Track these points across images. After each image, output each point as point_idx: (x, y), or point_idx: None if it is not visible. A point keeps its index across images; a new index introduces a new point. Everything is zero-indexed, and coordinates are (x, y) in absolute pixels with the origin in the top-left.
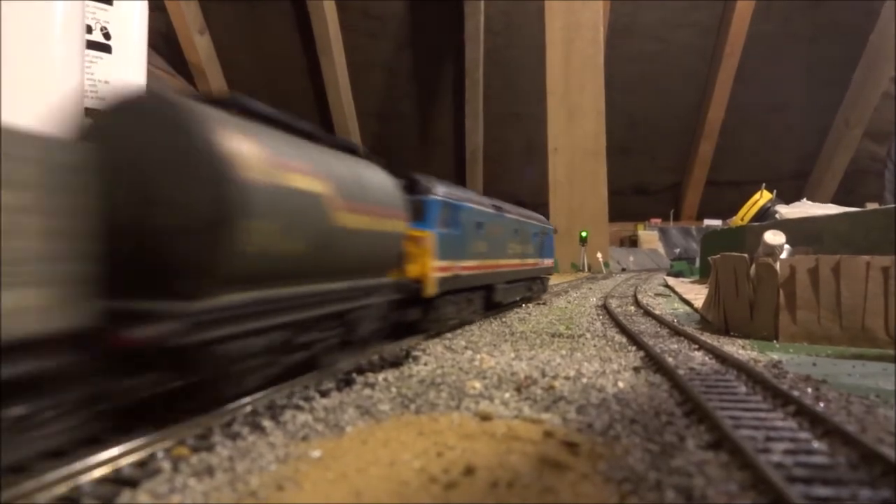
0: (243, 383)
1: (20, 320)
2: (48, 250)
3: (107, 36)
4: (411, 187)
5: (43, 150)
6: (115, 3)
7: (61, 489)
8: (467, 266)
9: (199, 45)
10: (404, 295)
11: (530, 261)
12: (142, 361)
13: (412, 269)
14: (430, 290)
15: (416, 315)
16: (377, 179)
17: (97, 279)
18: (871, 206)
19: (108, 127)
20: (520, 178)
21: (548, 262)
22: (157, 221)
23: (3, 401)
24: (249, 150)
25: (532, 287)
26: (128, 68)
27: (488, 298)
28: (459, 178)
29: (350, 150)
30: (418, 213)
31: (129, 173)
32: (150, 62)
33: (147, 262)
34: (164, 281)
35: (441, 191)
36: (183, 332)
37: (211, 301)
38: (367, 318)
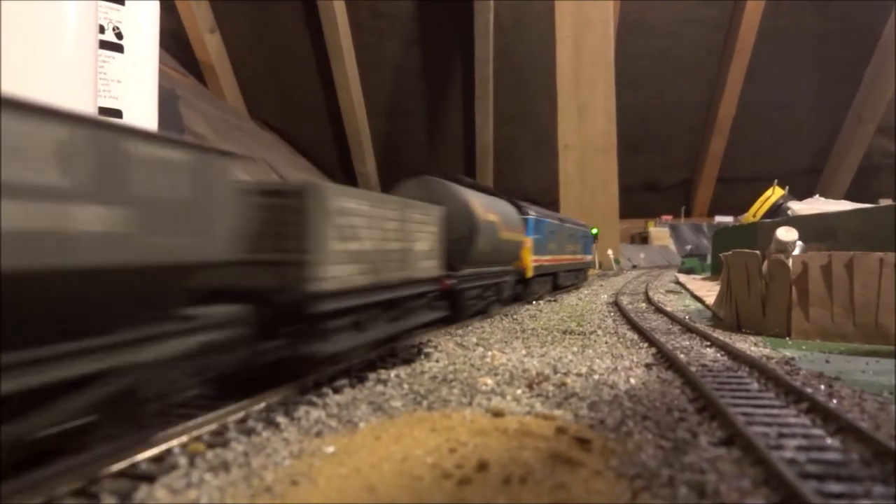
0: (470, 309)
1: (430, 272)
2: (434, 249)
3: (119, 35)
4: (518, 209)
5: (434, 216)
6: (127, 3)
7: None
8: (546, 260)
9: (210, 45)
10: (518, 276)
11: (578, 256)
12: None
13: (520, 262)
14: (529, 273)
15: (521, 289)
16: (510, 209)
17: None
18: (884, 202)
19: (421, 192)
20: (530, 175)
21: (588, 257)
22: (451, 237)
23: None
24: (477, 203)
25: (578, 275)
26: (140, 68)
27: (554, 282)
28: (469, 176)
29: (498, 195)
30: (522, 227)
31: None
32: (161, 61)
33: (448, 254)
34: (453, 261)
35: (532, 212)
36: (457, 283)
37: (464, 271)
38: (506, 287)
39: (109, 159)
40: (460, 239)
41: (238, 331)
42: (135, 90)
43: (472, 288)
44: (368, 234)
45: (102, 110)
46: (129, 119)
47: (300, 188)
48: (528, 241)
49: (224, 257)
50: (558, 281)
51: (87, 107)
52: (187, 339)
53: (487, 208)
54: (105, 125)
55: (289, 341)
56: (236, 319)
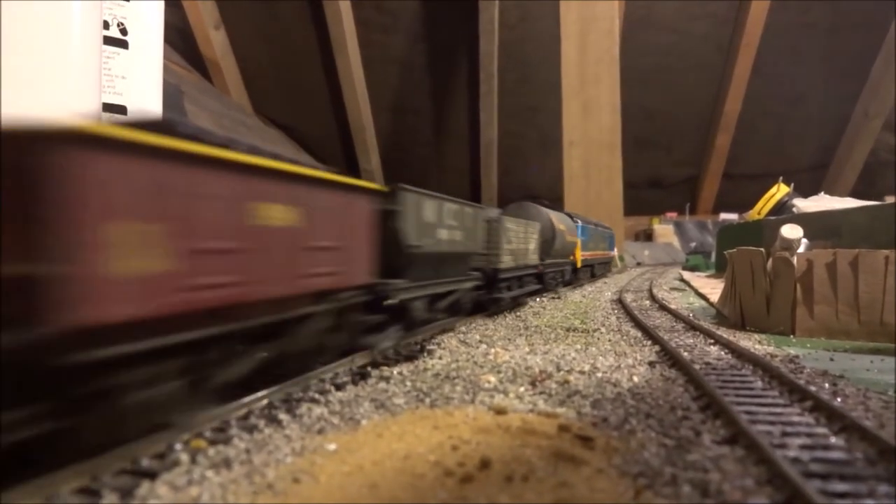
0: (550, 285)
1: (534, 261)
2: (535, 248)
3: (123, 31)
4: (571, 219)
5: (536, 228)
6: None
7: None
8: (588, 255)
9: (215, 40)
10: (572, 266)
11: (607, 252)
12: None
13: (574, 256)
14: (579, 264)
15: (572, 276)
16: (568, 220)
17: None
18: (890, 199)
19: (522, 213)
20: (534, 171)
21: (612, 253)
22: (540, 240)
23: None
24: (555, 218)
25: (606, 267)
26: (145, 64)
27: (591, 272)
28: (474, 172)
29: (559, 209)
30: (575, 232)
31: (532, 230)
32: (166, 57)
33: (539, 251)
34: (542, 255)
35: (580, 221)
36: (544, 269)
37: (547, 261)
38: (567, 273)
39: (461, 215)
40: (545, 242)
41: (477, 283)
42: (139, 86)
43: (551, 272)
44: (514, 240)
45: (107, 106)
46: (132, 114)
47: (497, 217)
48: (578, 242)
49: (480, 251)
50: (594, 271)
51: (91, 103)
52: (469, 283)
53: (559, 220)
54: (463, 204)
55: (491, 291)
56: (477, 279)
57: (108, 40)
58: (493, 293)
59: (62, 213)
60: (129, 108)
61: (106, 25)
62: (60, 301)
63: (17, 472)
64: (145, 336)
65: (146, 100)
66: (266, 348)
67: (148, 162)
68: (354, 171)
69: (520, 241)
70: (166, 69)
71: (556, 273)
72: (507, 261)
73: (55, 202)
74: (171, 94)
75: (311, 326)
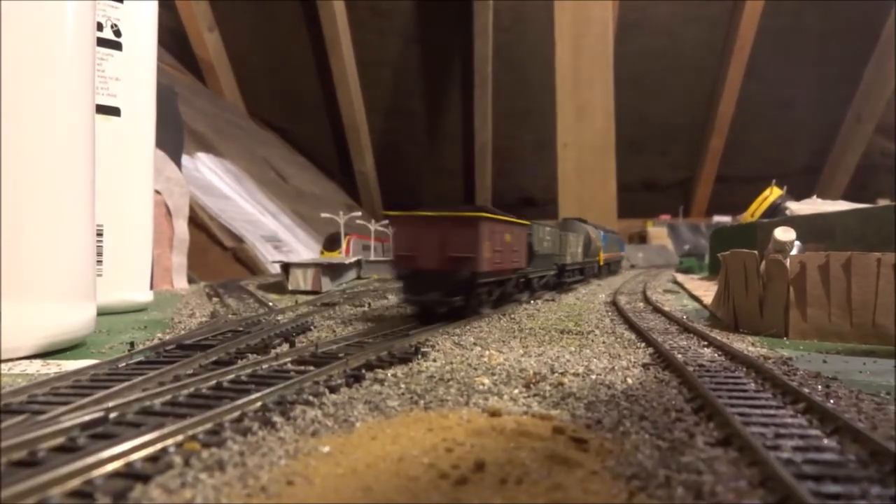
0: (588, 275)
1: (579, 260)
2: (580, 250)
3: (117, 33)
4: (596, 229)
5: (581, 236)
6: (125, 0)
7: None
8: (606, 255)
9: (209, 42)
10: (597, 264)
11: (618, 253)
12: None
13: (599, 257)
14: (601, 263)
15: (598, 270)
16: (596, 231)
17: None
18: (882, 202)
19: (570, 227)
20: (529, 173)
21: (623, 253)
22: (580, 245)
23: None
24: (591, 230)
25: (618, 264)
26: (139, 65)
27: (609, 268)
28: (468, 174)
29: (592, 224)
30: (600, 239)
31: (587, 240)
32: (159, 59)
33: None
34: (583, 256)
35: (602, 231)
36: (584, 265)
37: (584, 260)
38: (595, 268)
39: (551, 232)
40: (585, 246)
41: (555, 272)
42: (133, 88)
43: (588, 267)
44: (572, 246)
45: (101, 108)
46: (126, 117)
47: (564, 233)
48: (601, 245)
49: (556, 253)
50: (611, 267)
51: (85, 105)
52: (553, 272)
53: (592, 231)
54: (551, 226)
55: (560, 277)
56: (555, 269)
57: (102, 42)
58: (561, 278)
59: (476, 237)
60: (123, 110)
61: (100, 27)
62: (473, 263)
63: (16, 472)
64: (489, 277)
65: (140, 101)
66: (502, 288)
67: (493, 224)
68: (349, 173)
69: (573, 246)
70: (160, 71)
71: (590, 267)
72: (568, 259)
73: (475, 234)
74: (165, 96)
75: (513, 282)
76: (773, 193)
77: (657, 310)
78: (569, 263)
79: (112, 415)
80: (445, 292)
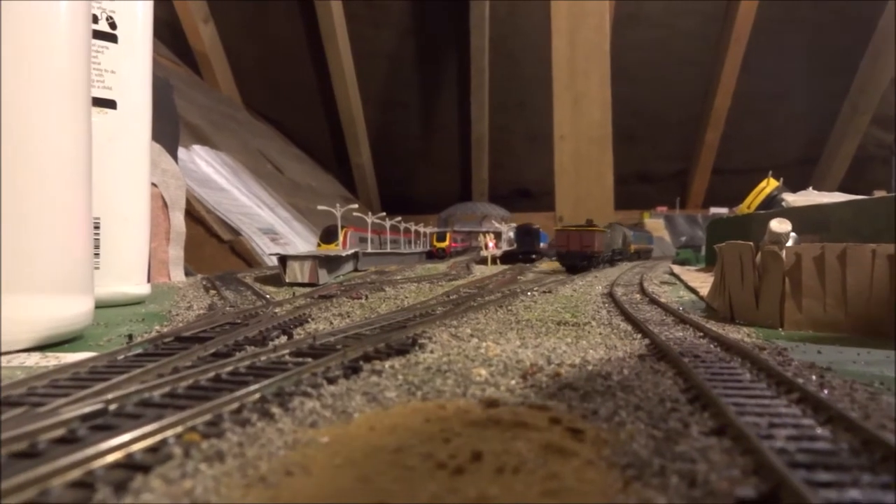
0: (624, 259)
1: (620, 248)
2: (621, 243)
3: (112, 25)
4: (628, 227)
5: (622, 233)
6: None
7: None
8: (635, 246)
9: (204, 34)
10: (627, 251)
11: (647, 245)
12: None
13: (630, 247)
14: (631, 251)
15: (629, 255)
16: (629, 230)
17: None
18: (878, 193)
19: (613, 229)
20: (525, 165)
21: (651, 245)
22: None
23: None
24: (626, 230)
25: (648, 252)
26: (134, 57)
27: (639, 256)
28: (464, 167)
29: (620, 224)
30: (631, 234)
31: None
32: (154, 51)
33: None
34: (621, 246)
35: (631, 231)
36: (620, 252)
37: (623, 248)
38: (626, 253)
39: (620, 234)
40: (622, 240)
41: (611, 255)
42: (129, 80)
43: (625, 251)
44: (617, 239)
45: (96, 101)
46: (122, 109)
47: (612, 232)
48: (631, 239)
49: (619, 247)
50: (640, 255)
51: (82, 97)
52: (610, 253)
53: (627, 231)
54: (625, 228)
55: (612, 257)
56: (611, 253)
57: (97, 34)
58: (613, 257)
59: (593, 238)
60: (119, 103)
61: (95, 19)
62: (592, 249)
63: (17, 463)
64: (598, 254)
65: (135, 94)
66: (598, 259)
67: (598, 232)
68: (345, 165)
69: (617, 241)
70: (155, 63)
71: (626, 252)
72: (615, 247)
73: (592, 237)
74: (160, 89)
75: (600, 256)
76: (769, 185)
77: (654, 301)
78: (615, 249)
79: (112, 406)
80: (581, 260)
